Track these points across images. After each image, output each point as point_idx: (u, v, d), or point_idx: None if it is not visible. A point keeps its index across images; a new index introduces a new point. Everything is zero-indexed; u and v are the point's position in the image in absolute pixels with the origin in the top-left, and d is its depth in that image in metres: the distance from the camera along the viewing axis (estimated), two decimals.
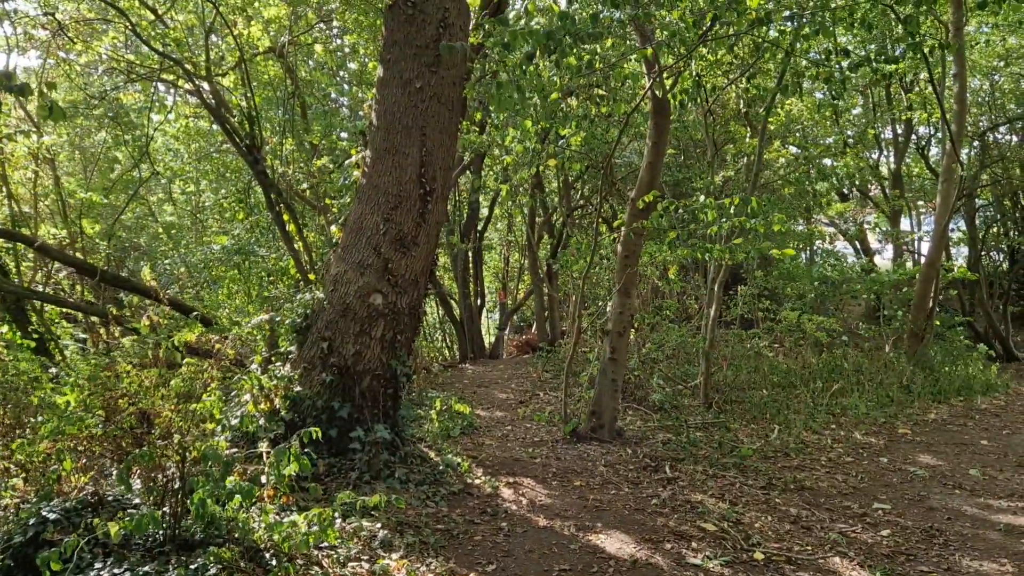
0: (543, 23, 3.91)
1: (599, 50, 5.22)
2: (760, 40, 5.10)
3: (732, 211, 5.02)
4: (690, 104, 5.74)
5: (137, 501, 3.49)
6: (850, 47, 8.50)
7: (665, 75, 5.80)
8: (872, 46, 10.95)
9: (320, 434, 3.55)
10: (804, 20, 4.31)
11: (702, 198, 5.60)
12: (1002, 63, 11.89)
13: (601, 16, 3.93)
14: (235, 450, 4.03)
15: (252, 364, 4.92)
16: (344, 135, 10.03)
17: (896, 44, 11.23)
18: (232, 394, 4.70)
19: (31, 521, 3.14)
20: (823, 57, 5.04)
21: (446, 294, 14.49)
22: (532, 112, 5.36)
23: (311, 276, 6.55)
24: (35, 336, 5.13)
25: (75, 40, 7.37)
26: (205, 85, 6.91)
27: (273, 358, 4.92)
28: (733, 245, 6.46)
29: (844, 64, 4.57)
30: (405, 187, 4.89)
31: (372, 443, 4.66)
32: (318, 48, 9.43)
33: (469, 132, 7.92)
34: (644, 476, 5.26)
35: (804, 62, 5.32)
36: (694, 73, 5.77)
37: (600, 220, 8.55)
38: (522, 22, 3.92)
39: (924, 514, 4.49)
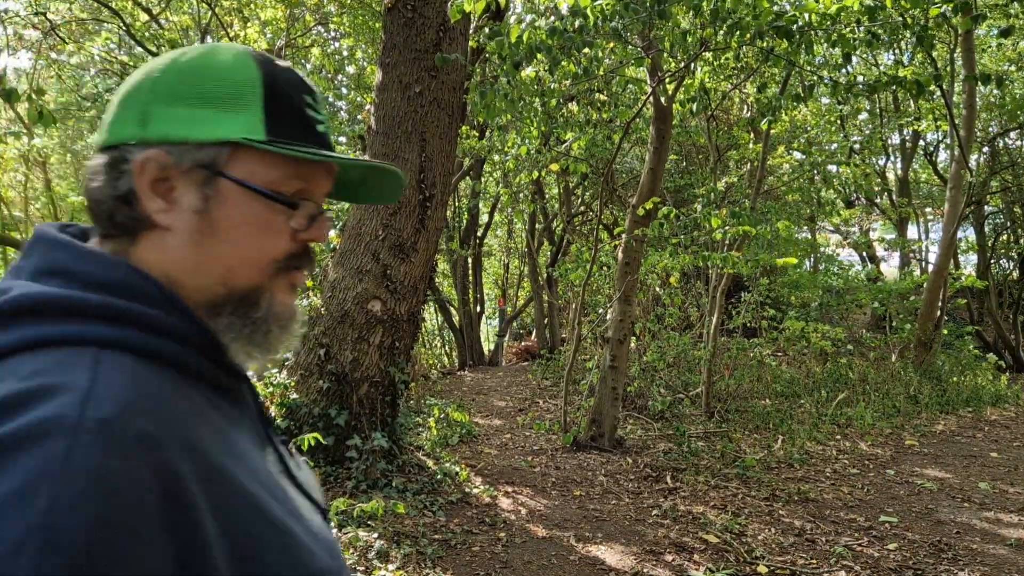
0: (542, 28, 3.85)
1: (600, 55, 5.15)
2: (764, 47, 5.04)
3: (728, 221, 4.94)
4: (693, 109, 5.67)
5: None
6: (858, 53, 8.43)
7: (668, 80, 5.75)
8: (884, 52, 10.87)
9: (317, 442, 3.49)
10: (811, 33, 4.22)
11: (699, 207, 5.54)
12: (1013, 67, 11.79)
13: (592, 25, 3.85)
14: None
15: (247, 370, 4.86)
16: (342, 139, 9.99)
17: (904, 49, 11.15)
18: None
19: None
20: (828, 62, 4.96)
21: (445, 300, 14.43)
22: (531, 116, 5.31)
23: (308, 282, 6.49)
24: None
25: (67, 40, 7.33)
26: None
27: (269, 364, 4.87)
28: (733, 255, 6.38)
29: (858, 79, 4.46)
30: (404, 192, 4.84)
31: (369, 451, 4.59)
32: (315, 51, 9.40)
33: (469, 137, 7.88)
34: (645, 486, 5.17)
35: (809, 68, 5.25)
36: (698, 80, 5.71)
37: (601, 227, 8.48)
38: (523, 24, 3.86)
39: (932, 528, 4.40)
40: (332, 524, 3.60)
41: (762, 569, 3.67)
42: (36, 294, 0.56)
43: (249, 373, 0.74)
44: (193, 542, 0.50)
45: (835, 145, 12.05)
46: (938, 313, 9.52)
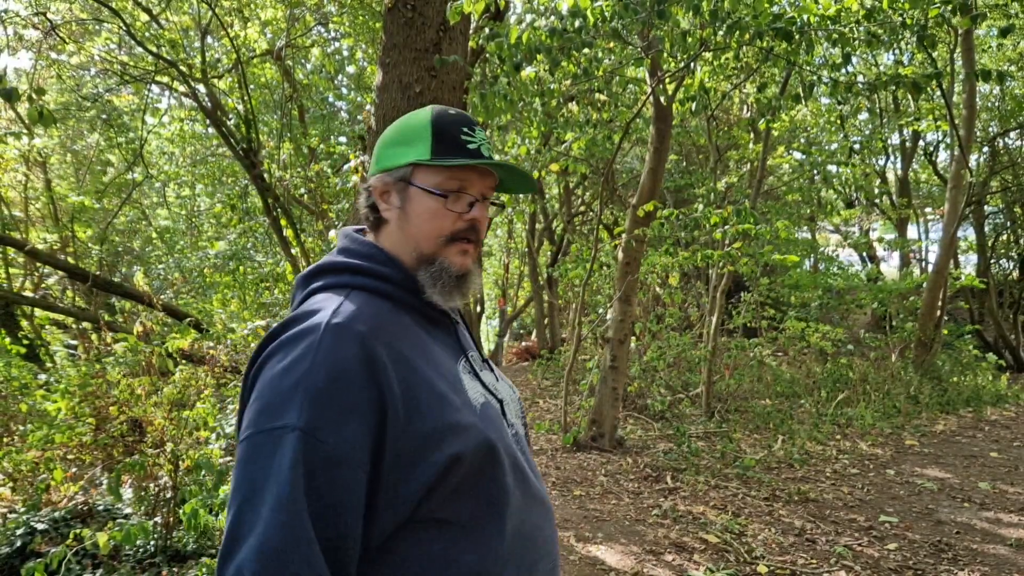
0: (541, 28, 3.85)
1: (599, 55, 5.14)
2: (763, 47, 5.03)
3: (731, 220, 4.93)
4: (693, 109, 5.67)
5: (128, 511, 3.42)
6: (858, 53, 8.43)
7: (667, 80, 5.74)
8: (884, 53, 10.85)
9: None
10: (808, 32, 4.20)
11: (700, 207, 5.52)
12: (1013, 67, 11.77)
13: (592, 25, 3.84)
14: (229, 459, 3.96)
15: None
16: (343, 139, 9.99)
17: (904, 49, 11.14)
18: (227, 401, 4.63)
19: (19, 531, 3.09)
20: (828, 62, 4.94)
21: None
22: (531, 116, 5.30)
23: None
24: (25, 342, 5.07)
25: (67, 40, 7.31)
26: (201, 87, 6.84)
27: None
28: (734, 251, 6.37)
29: (858, 79, 4.44)
30: None
31: None
32: (316, 52, 9.38)
33: None
34: (645, 486, 5.17)
35: (808, 67, 5.24)
36: (698, 79, 5.70)
37: (601, 227, 8.47)
38: (523, 25, 3.86)
39: (932, 528, 4.39)
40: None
41: (762, 569, 3.67)
42: (329, 261, 1.07)
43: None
44: (384, 389, 0.89)
45: (835, 145, 12.05)
46: (938, 313, 9.52)
